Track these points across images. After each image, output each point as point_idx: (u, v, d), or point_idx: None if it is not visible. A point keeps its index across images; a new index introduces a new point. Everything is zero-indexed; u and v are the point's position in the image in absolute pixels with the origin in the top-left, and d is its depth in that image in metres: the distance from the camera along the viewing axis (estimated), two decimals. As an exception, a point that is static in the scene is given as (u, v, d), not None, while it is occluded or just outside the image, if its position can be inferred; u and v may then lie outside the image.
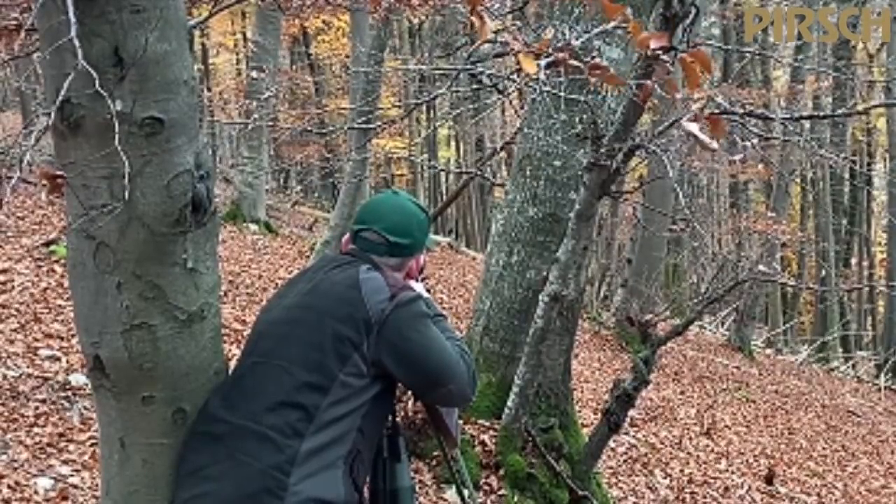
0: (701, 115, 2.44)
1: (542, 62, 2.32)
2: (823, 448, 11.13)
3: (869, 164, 27.62)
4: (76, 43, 1.84)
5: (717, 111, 3.85)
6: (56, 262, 7.61)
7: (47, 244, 8.01)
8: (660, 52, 2.47)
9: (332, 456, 2.35)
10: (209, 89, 25.69)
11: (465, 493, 3.82)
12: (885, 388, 18.29)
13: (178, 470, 2.41)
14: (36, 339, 5.80)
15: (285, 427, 2.32)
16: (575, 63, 2.33)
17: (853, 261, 28.66)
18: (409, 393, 4.17)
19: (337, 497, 2.34)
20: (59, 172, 1.99)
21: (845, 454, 11.17)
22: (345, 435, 2.37)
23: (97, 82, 1.90)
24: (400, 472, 2.61)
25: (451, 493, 5.28)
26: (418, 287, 2.68)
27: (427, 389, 2.57)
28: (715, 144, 2.47)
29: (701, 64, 2.40)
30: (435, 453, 5.41)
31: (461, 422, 5.12)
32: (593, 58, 2.47)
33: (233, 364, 2.56)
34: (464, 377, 2.50)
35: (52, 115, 1.98)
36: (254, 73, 14.06)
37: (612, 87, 5.63)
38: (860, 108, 7.96)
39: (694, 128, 2.41)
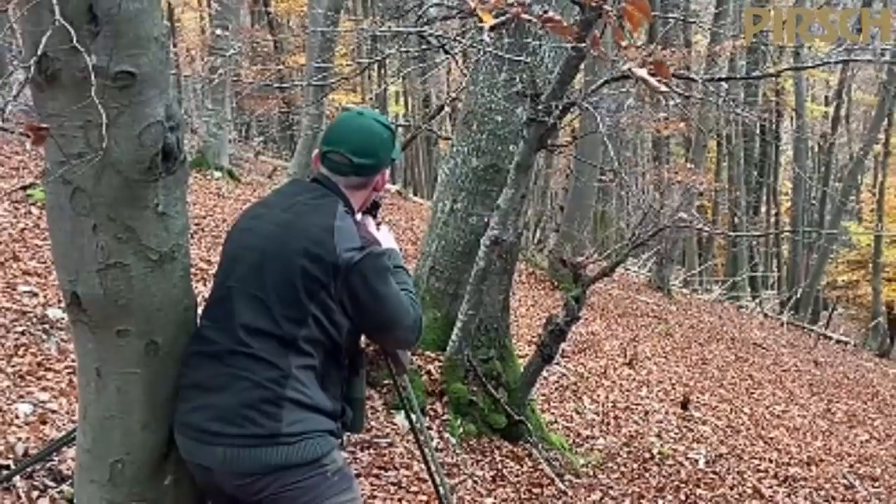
0: (647, 63, 2.47)
1: (491, 19, 2.32)
2: (733, 377, 11.35)
3: (777, 122, 27.89)
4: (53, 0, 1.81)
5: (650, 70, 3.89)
6: (33, 204, 7.46)
7: (25, 188, 7.84)
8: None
9: (312, 374, 2.43)
10: (175, 45, 25.19)
11: (413, 417, 3.85)
12: (788, 323, 18.69)
13: (179, 384, 2.46)
14: (15, 276, 5.70)
15: (273, 349, 2.38)
16: (528, 17, 2.33)
17: (762, 209, 29.08)
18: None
19: (326, 406, 2.45)
20: (43, 125, 1.96)
21: (752, 382, 11.41)
22: (320, 360, 2.45)
23: (74, 38, 1.86)
24: (355, 385, 2.64)
25: (400, 418, 5.32)
26: (389, 236, 2.73)
27: (375, 333, 2.65)
28: (664, 87, 2.50)
29: (640, 11, 2.42)
30: (385, 381, 5.44)
31: (409, 353, 5.16)
32: (545, 12, 2.47)
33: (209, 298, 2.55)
34: (410, 326, 2.58)
35: (32, 68, 1.94)
36: (218, 31, 13.82)
37: (550, 49, 5.63)
38: (772, 70, 8.02)
39: (643, 73, 2.45)
